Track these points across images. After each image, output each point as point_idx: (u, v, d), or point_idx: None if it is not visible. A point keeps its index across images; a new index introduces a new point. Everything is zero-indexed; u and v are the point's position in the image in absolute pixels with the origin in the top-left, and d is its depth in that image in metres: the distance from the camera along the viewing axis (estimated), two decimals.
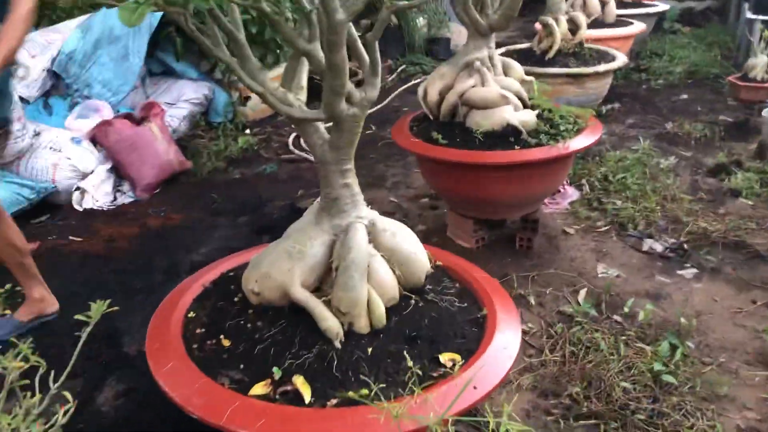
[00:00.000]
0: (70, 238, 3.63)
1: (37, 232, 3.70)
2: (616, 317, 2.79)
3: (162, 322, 1.82)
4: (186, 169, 4.54)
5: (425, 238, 3.54)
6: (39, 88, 4.55)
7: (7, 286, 1.73)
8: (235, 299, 1.87)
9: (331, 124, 1.70)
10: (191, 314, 1.86)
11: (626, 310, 2.80)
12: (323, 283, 1.81)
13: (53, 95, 4.67)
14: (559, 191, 3.90)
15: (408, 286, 1.87)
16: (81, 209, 3.99)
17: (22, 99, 4.49)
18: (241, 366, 1.65)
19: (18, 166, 3.95)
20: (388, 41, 7.59)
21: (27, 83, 4.46)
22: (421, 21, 8.02)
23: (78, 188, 4.02)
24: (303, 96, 1.78)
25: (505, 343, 1.73)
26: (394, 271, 1.81)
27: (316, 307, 1.69)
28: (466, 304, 1.93)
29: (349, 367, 1.63)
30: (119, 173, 4.25)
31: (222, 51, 1.56)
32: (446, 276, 2.06)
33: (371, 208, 1.88)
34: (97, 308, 1.71)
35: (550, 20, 4.95)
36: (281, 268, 1.74)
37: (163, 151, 4.32)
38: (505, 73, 3.24)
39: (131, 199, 4.17)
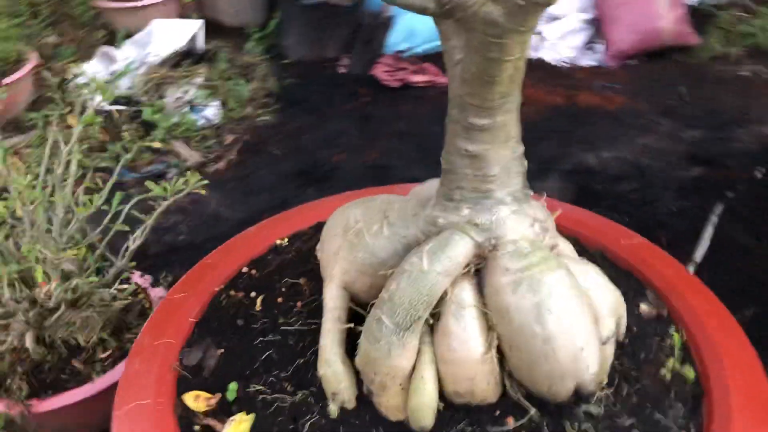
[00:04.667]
0: None
1: None
2: None
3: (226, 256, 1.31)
4: (686, 44, 3.44)
5: None
6: None
7: None
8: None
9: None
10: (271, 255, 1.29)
11: None
12: None
13: None
14: None
15: (530, 389, 0.92)
16: (533, 58, 3.44)
17: None
18: (223, 350, 1.08)
19: None
20: None
21: None
22: None
23: (538, 32, 3.45)
24: None
25: None
26: (491, 349, 0.89)
27: (327, 334, 0.96)
28: None
29: None
30: (599, 28, 3.49)
31: None
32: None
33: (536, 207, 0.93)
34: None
35: None
36: (332, 244, 1.03)
37: (658, 14, 3.32)
38: None
39: (594, 64, 3.41)
